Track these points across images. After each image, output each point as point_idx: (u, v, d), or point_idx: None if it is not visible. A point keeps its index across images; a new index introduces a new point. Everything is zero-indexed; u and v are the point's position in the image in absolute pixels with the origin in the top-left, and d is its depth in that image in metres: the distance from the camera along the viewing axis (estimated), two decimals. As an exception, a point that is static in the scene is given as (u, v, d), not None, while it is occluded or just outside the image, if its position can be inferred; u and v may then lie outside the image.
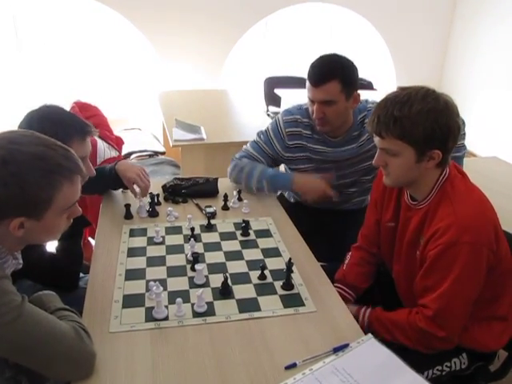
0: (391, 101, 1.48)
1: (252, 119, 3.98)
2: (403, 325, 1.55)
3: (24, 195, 1.11)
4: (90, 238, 3.09)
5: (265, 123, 3.73)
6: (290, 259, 1.59)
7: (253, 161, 2.28)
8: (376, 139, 1.55)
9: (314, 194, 2.13)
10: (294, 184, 2.18)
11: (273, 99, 5.44)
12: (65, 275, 1.74)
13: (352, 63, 2.06)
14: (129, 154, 3.90)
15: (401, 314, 1.59)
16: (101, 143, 2.94)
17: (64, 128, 1.61)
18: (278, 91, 5.06)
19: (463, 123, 2.14)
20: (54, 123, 1.61)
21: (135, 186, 2.06)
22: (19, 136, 1.16)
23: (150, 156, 4.00)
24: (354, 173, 2.28)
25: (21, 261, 1.31)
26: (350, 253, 1.97)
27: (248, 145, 2.35)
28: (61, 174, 1.16)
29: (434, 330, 1.48)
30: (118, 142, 3.13)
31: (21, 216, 1.13)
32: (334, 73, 1.98)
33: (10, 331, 1.09)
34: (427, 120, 1.43)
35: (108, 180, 2.10)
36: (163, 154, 4.12)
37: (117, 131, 3.71)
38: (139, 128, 4.72)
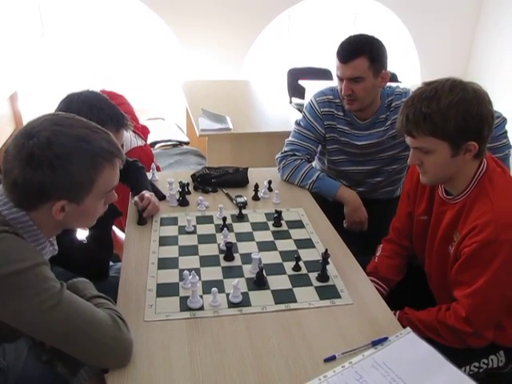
0: (418, 97, 1.43)
1: (276, 110, 3.96)
2: (433, 324, 1.52)
3: (69, 178, 1.10)
4: (114, 227, 3.08)
5: (289, 114, 3.68)
6: (327, 250, 1.56)
7: (301, 149, 2.29)
8: (407, 139, 1.51)
9: (359, 214, 2.18)
10: (339, 192, 2.19)
11: (296, 90, 5.40)
12: (96, 263, 1.73)
13: (380, 42, 2.08)
14: (153, 144, 3.89)
15: (430, 313, 1.56)
16: (127, 132, 2.92)
17: (100, 115, 1.60)
18: (302, 82, 5.02)
19: (505, 120, 2.08)
20: (91, 108, 1.60)
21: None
22: (62, 118, 1.15)
23: (174, 146, 3.99)
24: (377, 160, 2.31)
25: (56, 247, 1.30)
26: (380, 245, 1.94)
27: (290, 137, 2.36)
28: (103, 156, 1.15)
29: (464, 327, 1.45)
30: (143, 131, 3.10)
31: (63, 199, 1.12)
32: (361, 49, 2.02)
33: (49, 318, 1.08)
34: (458, 112, 1.38)
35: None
36: (187, 143, 4.11)
37: (140, 121, 3.70)
38: (162, 118, 4.71)
